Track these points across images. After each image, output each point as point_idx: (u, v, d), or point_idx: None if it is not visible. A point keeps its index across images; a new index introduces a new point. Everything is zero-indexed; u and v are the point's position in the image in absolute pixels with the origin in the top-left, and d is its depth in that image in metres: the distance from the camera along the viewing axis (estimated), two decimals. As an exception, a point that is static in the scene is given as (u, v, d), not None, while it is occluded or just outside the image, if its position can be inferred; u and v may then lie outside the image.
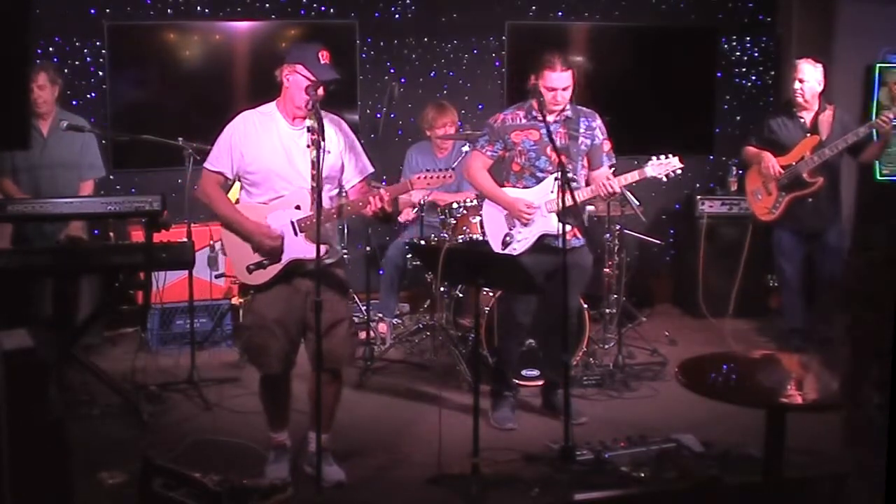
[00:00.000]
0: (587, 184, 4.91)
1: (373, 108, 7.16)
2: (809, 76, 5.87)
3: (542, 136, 4.80)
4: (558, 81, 4.74)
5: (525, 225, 4.84)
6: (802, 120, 5.95)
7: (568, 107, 4.86)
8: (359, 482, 4.29)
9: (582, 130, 4.88)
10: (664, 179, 4.93)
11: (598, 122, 4.97)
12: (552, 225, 4.80)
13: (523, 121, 4.88)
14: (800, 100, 5.92)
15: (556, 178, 4.69)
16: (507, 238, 4.86)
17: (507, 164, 4.97)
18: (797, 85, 5.91)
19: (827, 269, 5.99)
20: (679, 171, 4.89)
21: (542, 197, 4.83)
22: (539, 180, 4.86)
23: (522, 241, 4.85)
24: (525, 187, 4.87)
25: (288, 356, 4.17)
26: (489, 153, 4.95)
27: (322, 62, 3.98)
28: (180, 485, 3.76)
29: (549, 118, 4.79)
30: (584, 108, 4.99)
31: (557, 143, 4.76)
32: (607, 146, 4.99)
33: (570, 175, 4.76)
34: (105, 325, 6.31)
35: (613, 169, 4.99)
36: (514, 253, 4.79)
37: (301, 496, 4.08)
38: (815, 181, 5.87)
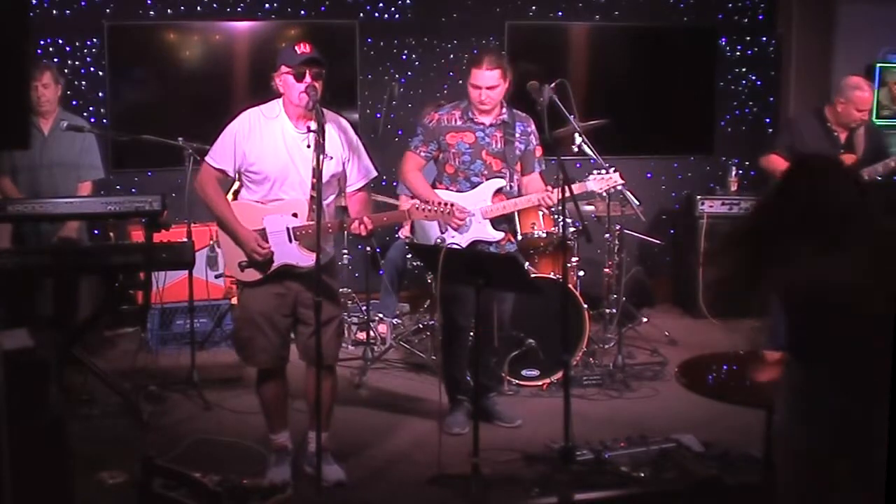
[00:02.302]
0: (520, 190, 4.89)
1: (373, 108, 7.16)
2: (863, 102, 5.52)
3: (477, 139, 4.77)
4: (483, 79, 4.68)
5: (457, 230, 4.74)
6: (836, 134, 5.66)
7: (504, 110, 4.82)
8: (359, 482, 4.29)
9: (517, 135, 4.84)
10: (604, 194, 5.01)
11: (533, 127, 4.90)
12: (487, 232, 4.78)
13: (458, 122, 4.81)
14: (844, 121, 5.60)
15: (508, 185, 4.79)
16: (439, 241, 4.74)
17: (440, 166, 4.88)
18: (854, 111, 5.53)
19: None
20: (619, 187, 4.94)
21: (476, 203, 4.75)
22: (474, 185, 4.78)
23: (454, 246, 4.73)
24: (459, 191, 4.77)
25: (277, 351, 4.18)
26: (423, 154, 4.84)
27: (299, 52, 4.00)
28: (180, 485, 3.76)
29: (486, 120, 4.79)
30: (520, 113, 4.93)
31: (493, 146, 4.79)
32: (539, 152, 4.95)
33: (505, 181, 4.79)
34: (105, 325, 6.31)
35: (542, 170, 5.00)
36: None
37: (301, 496, 4.09)
38: None
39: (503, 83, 4.73)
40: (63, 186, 5.59)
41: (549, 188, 4.80)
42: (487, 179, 4.78)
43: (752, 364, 4.18)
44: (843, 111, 5.61)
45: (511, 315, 5.24)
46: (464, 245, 4.77)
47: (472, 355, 4.99)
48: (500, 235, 4.83)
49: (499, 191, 4.80)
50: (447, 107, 4.92)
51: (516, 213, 5.67)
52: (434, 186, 4.87)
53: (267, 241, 4.07)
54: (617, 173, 4.92)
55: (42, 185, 5.56)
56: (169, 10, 6.94)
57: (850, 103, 5.58)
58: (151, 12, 6.92)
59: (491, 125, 4.81)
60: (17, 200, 5.13)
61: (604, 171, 4.90)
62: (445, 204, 4.20)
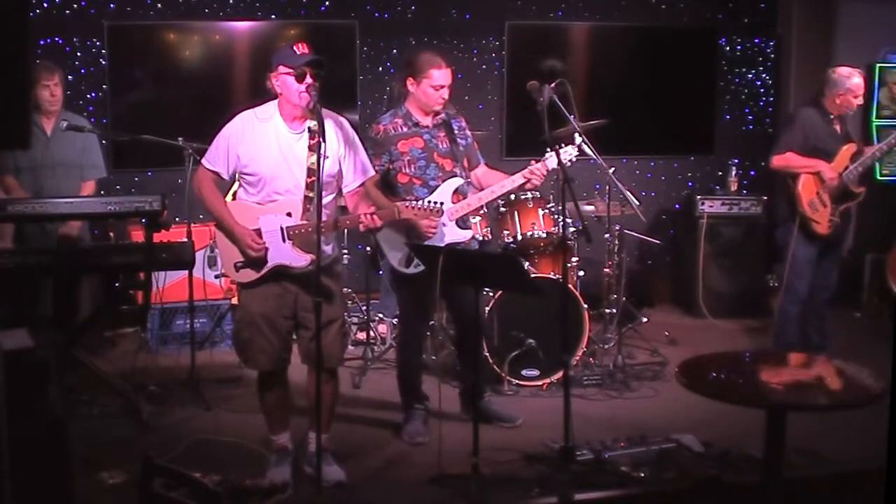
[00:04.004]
0: (473, 185, 4.91)
1: (373, 109, 7.16)
2: (859, 89, 5.63)
3: (426, 142, 4.74)
4: (444, 78, 4.67)
5: (429, 239, 4.62)
6: (835, 126, 5.72)
7: (441, 110, 4.82)
8: (359, 482, 4.29)
9: (456, 132, 4.85)
10: (568, 164, 4.75)
11: (464, 122, 4.95)
12: (458, 232, 4.75)
13: (404, 129, 4.73)
14: (842, 111, 5.66)
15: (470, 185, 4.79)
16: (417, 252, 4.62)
17: (391, 178, 4.71)
18: (853, 99, 5.62)
19: (831, 277, 5.86)
20: (574, 158, 4.82)
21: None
22: (432, 189, 4.69)
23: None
24: (417, 199, 4.60)
25: (277, 353, 4.18)
26: (377, 167, 4.61)
27: (298, 53, 4.00)
28: (180, 485, 3.76)
29: (428, 122, 4.77)
30: (450, 111, 4.92)
31: (441, 147, 4.76)
32: (475, 145, 5.00)
33: (462, 179, 4.77)
34: (105, 325, 6.31)
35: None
36: (419, 270, 4.56)
37: (301, 496, 4.09)
38: (861, 191, 5.71)
39: (451, 81, 4.76)
40: (66, 186, 5.60)
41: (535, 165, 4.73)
42: (443, 182, 4.74)
43: (753, 364, 4.19)
44: (842, 102, 5.66)
45: (511, 316, 5.24)
46: None
47: (466, 356, 5.02)
48: (468, 234, 4.82)
49: (456, 190, 4.77)
50: (386, 116, 4.82)
51: (513, 215, 5.69)
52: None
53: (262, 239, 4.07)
54: (572, 146, 4.83)
55: (45, 184, 5.56)
56: (169, 11, 6.95)
57: (850, 92, 5.64)
58: (151, 12, 6.93)
59: (434, 126, 4.79)
60: (17, 200, 5.13)
61: (559, 146, 4.71)
62: (433, 203, 4.18)
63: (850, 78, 5.64)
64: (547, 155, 4.74)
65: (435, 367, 5.53)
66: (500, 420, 5.01)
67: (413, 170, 4.72)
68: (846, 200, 5.73)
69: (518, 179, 4.74)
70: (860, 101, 5.71)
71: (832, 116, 5.72)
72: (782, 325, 5.88)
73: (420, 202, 4.17)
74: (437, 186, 4.73)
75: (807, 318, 5.86)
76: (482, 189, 4.88)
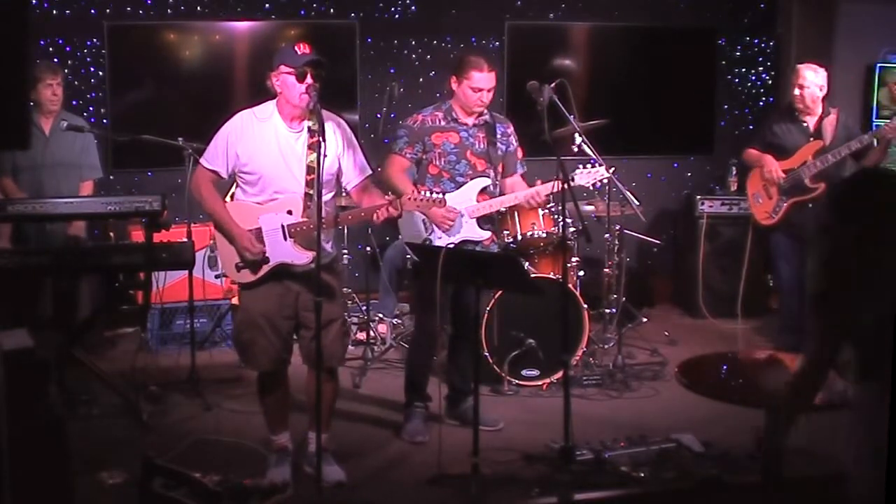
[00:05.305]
0: (502, 191, 4.94)
1: (373, 108, 7.16)
2: (810, 81, 5.78)
3: (462, 139, 4.79)
4: (485, 82, 4.72)
5: (445, 231, 4.72)
6: (805, 124, 5.86)
7: (486, 112, 4.85)
8: (359, 482, 4.30)
9: (498, 136, 4.88)
10: (590, 187, 5.05)
11: (512, 129, 4.97)
12: (476, 231, 4.80)
13: (442, 123, 4.81)
14: (800, 105, 5.84)
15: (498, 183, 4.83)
16: (426, 243, 4.71)
17: (422, 168, 4.84)
18: (797, 91, 5.81)
19: None
20: (606, 180, 5.04)
21: (462, 202, 4.74)
22: (459, 185, 4.78)
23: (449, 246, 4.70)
24: (443, 192, 4.67)
25: (278, 354, 4.18)
26: (409, 156, 4.79)
27: (300, 53, 4.00)
28: (180, 485, 3.77)
29: (469, 121, 4.81)
30: (499, 115, 4.99)
31: (477, 146, 4.81)
32: (520, 153, 5.03)
33: (489, 180, 4.82)
34: (105, 325, 6.31)
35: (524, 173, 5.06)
36: None
37: (301, 496, 4.09)
38: (817, 187, 5.76)
39: (494, 84, 4.79)
40: (65, 186, 5.61)
41: (541, 184, 4.83)
42: (472, 179, 4.79)
43: (752, 364, 4.19)
44: (799, 94, 5.83)
45: (511, 316, 5.23)
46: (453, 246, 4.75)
47: (457, 358, 5.01)
48: (486, 235, 4.85)
49: (483, 190, 4.82)
50: (428, 108, 4.90)
51: (513, 215, 5.69)
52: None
53: (262, 240, 4.07)
54: (602, 167, 4.96)
55: (45, 184, 5.57)
56: (169, 11, 6.95)
57: (798, 85, 5.82)
58: (151, 12, 6.93)
59: (474, 126, 4.83)
60: (17, 200, 5.13)
61: (589, 165, 4.93)
62: (436, 194, 4.20)
63: (802, 72, 5.82)
64: (577, 171, 4.88)
65: (436, 367, 5.53)
66: (482, 423, 4.96)
67: (443, 163, 4.79)
68: (797, 194, 5.84)
69: (546, 191, 4.81)
70: (810, 92, 5.79)
71: (797, 113, 5.88)
72: (780, 308, 6.08)
73: (423, 193, 4.18)
74: (464, 183, 4.78)
75: (806, 318, 5.88)
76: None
